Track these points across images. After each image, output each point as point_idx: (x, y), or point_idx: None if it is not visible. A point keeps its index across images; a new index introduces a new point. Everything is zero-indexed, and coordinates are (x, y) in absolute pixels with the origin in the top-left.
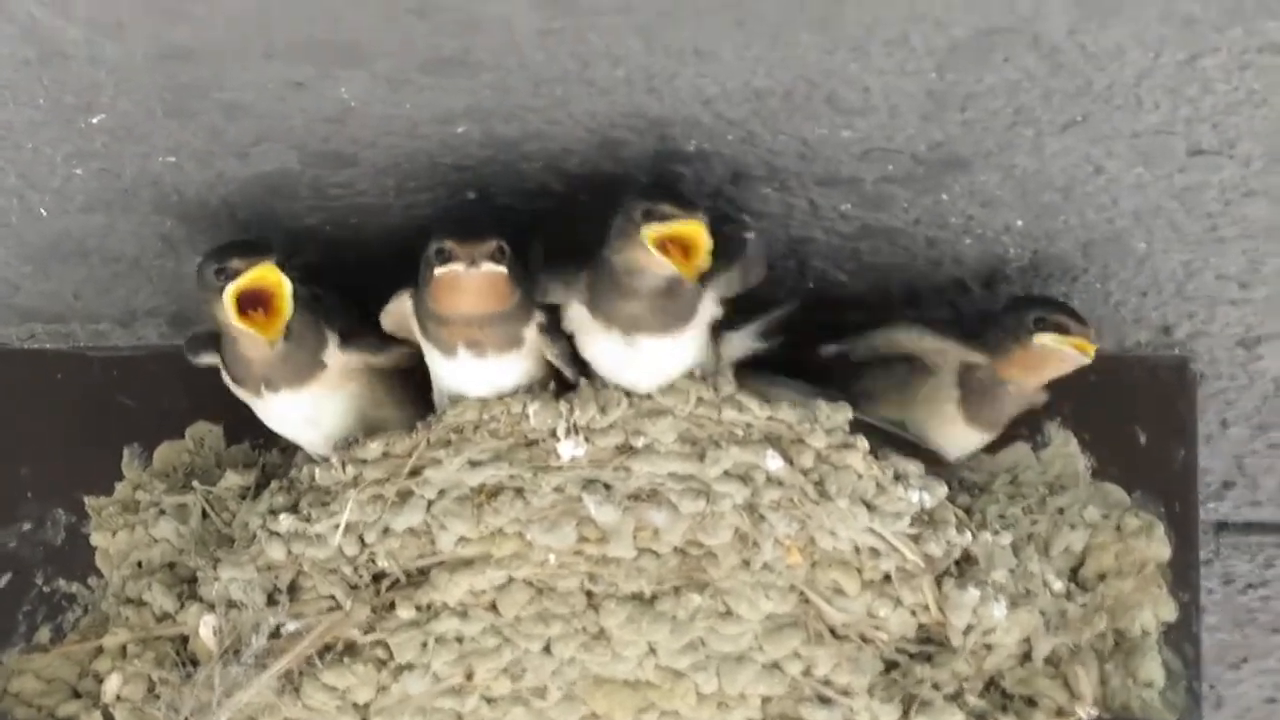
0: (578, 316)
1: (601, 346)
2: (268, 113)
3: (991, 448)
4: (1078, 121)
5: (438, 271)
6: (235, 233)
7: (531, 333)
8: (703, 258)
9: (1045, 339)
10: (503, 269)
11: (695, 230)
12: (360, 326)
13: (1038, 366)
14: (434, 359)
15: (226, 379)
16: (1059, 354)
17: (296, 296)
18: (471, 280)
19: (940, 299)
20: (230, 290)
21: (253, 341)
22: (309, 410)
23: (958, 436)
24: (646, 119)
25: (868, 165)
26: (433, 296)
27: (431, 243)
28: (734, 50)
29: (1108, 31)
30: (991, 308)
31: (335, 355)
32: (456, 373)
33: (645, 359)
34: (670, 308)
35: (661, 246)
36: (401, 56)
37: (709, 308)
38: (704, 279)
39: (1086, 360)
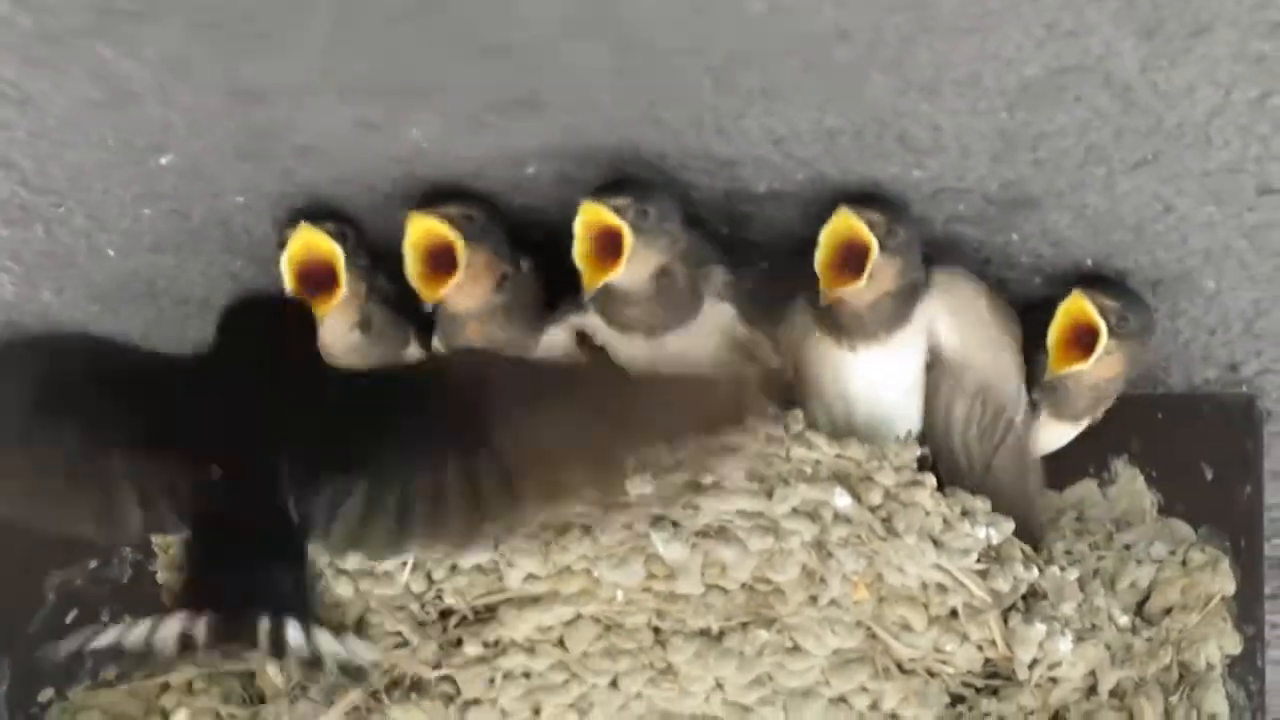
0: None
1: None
2: (339, 154)
3: (1058, 484)
4: (1148, 160)
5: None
6: None
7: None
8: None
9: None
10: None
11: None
12: None
13: (1064, 332)
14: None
15: None
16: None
17: (377, 289)
18: None
19: None
20: (285, 258)
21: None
22: None
23: (1049, 435)
24: (716, 160)
25: (938, 205)
26: None
27: None
28: (803, 91)
29: (1179, 70)
30: None
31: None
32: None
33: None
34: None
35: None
36: (473, 97)
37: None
38: None
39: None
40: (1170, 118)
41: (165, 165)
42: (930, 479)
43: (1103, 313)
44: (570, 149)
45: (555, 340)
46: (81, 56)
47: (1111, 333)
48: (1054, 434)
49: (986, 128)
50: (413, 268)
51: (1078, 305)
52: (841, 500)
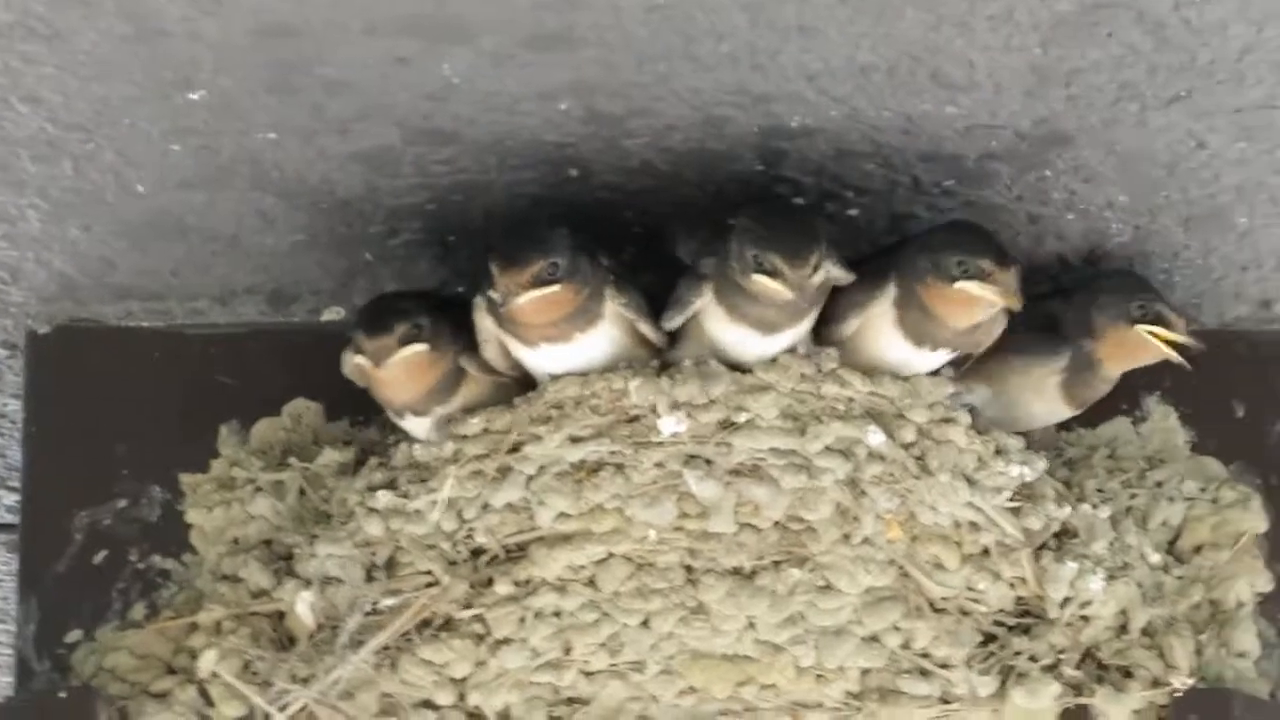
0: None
1: (732, 339)
2: (370, 89)
3: (1091, 421)
4: (1181, 97)
5: (491, 294)
6: (334, 209)
7: (609, 306)
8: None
9: (1147, 331)
10: (553, 288)
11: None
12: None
13: (1135, 354)
14: (515, 347)
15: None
16: (1158, 350)
17: (432, 336)
18: (522, 310)
19: (1043, 275)
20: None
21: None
22: None
23: (1050, 411)
24: (751, 95)
25: (971, 141)
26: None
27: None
28: (838, 26)
29: (1212, 6)
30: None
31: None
32: (542, 360)
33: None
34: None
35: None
36: (505, 32)
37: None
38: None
39: (1179, 360)
40: (1203, 54)
41: (195, 101)
42: (964, 416)
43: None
44: (604, 85)
45: (488, 350)
46: None
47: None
48: None
49: (1019, 64)
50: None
51: None
52: (875, 438)
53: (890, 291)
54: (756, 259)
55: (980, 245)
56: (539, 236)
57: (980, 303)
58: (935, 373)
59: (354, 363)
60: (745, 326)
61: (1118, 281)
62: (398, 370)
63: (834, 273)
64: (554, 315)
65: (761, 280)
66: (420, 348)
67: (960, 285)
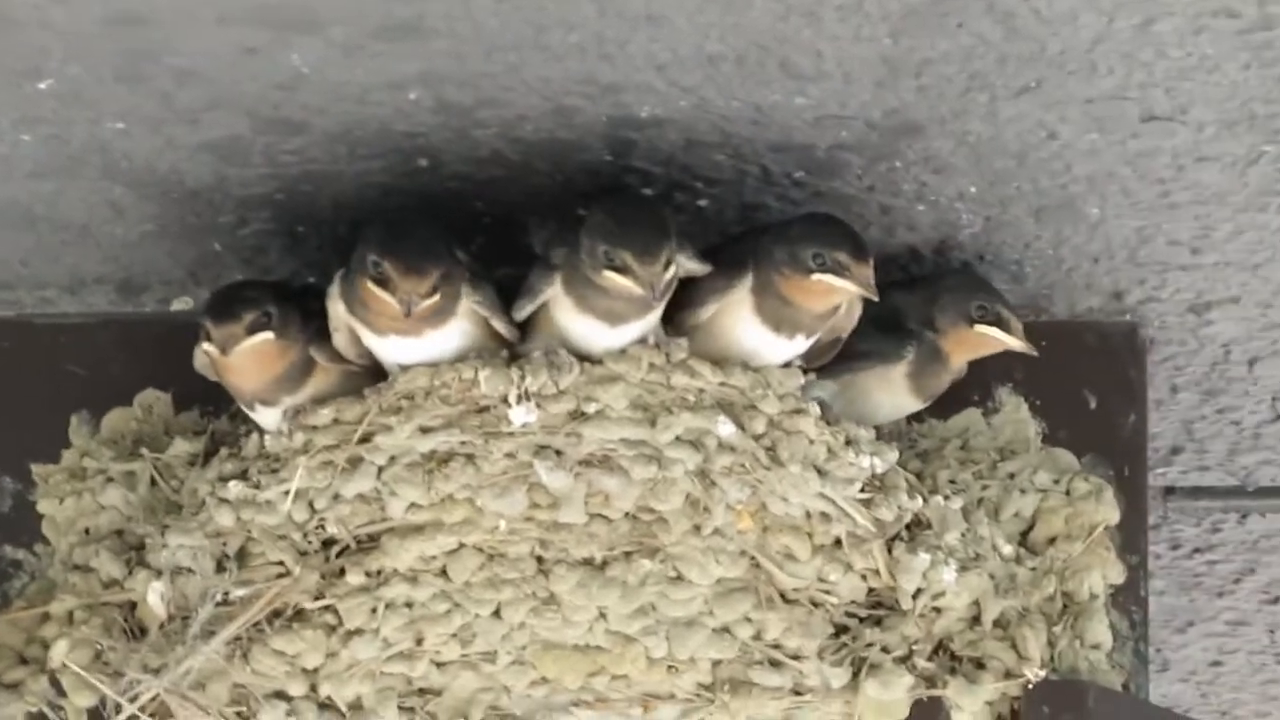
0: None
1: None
2: (219, 79)
3: (943, 413)
4: (1031, 87)
5: (373, 288)
6: (184, 199)
7: (464, 304)
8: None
9: (986, 330)
10: (436, 299)
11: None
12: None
13: (977, 349)
14: (366, 336)
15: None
16: (999, 343)
17: (280, 324)
18: (411, 318)
19: (894, 265)
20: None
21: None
22: None
23: (898, 405)
24: (600, 85)
25: (821, 132)
26: (363, 301)
27: (368, 250)
28: (687, 16)
29: None
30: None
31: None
32: (391, 350)
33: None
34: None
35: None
36: (355, 23)
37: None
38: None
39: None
40: (1053, 44)
41: (44, 90)
42: (814, 407)
43: None
44: (454, 75)
45: (338, 338)
46: None
47: None
48: None
49: (869, 54)
50: None
51: None
52: (725, 428)
53: (747, 280)
54: (608, 255)
55: (837, 238)
56: (429, 241)
57: (837, 293)
58: (787, 365)
59: (202, 349)
60: (593, 318)
61: (958, 281)
62: (245, 358)
63: (688, 265)
64: (423, 320)
65: (612, 276)
66: (267, 335)
67: (817, 278)
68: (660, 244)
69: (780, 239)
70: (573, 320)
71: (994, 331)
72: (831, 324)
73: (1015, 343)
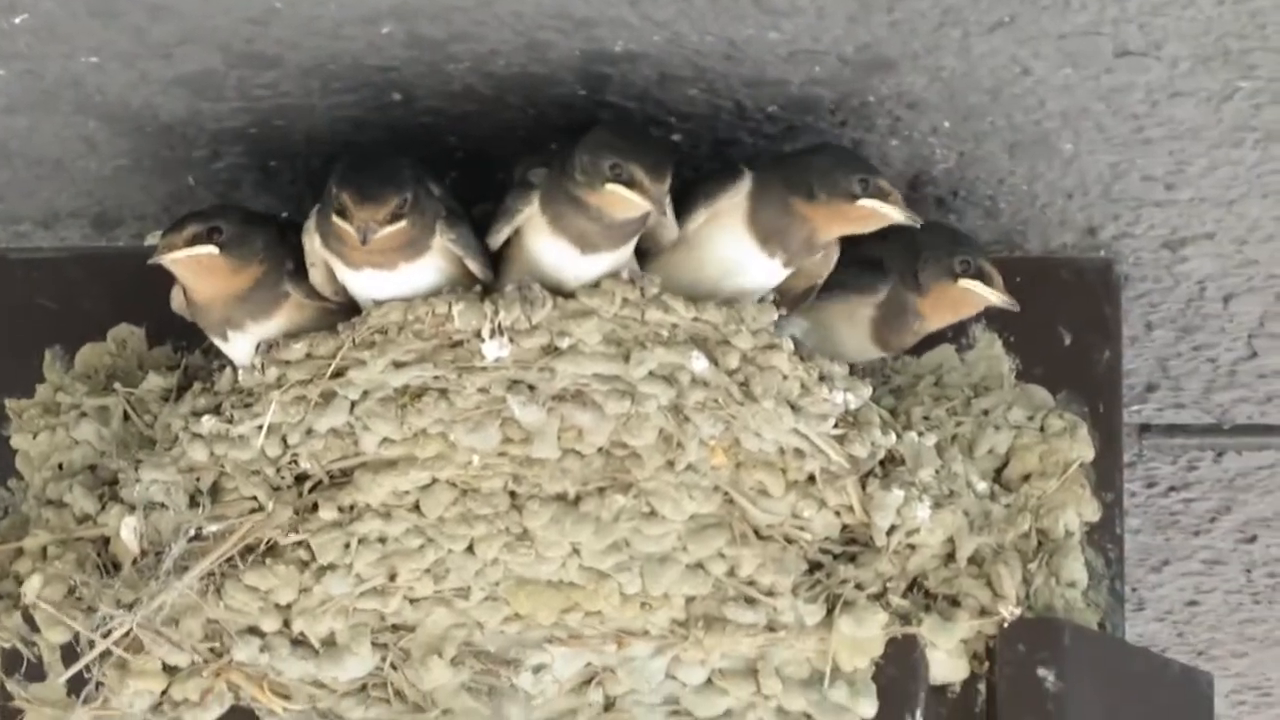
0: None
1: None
2: (192, 13)
3: (916, 349)
4: (1005, 22)
5: (336, 221)
6: (157, 134)
7: (438, 240)
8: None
9: (970, 284)
10: (401, 224)
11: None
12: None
13: (957, 308)
14: (341, 270)
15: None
16: (983, 300)
17: (231, 243)
18: (371, 246)
19: None
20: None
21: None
22: None
23: (860, 349)
24: (573, 19)
25: (794, 67)
26: (336, 235)
27: (334, 184)
28: None
29: None
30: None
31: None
32: (365, 284)
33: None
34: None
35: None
36: None
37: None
38: None
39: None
40: None
41: (18, 25)
42: (788, 342)
43: None
44: (426, 9)
45: (314, 273)
46: None
47: None
48: None
49: None
50: None
51: None
52: (698, 364)
53: (745, 185)
54: (615, 168)
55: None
56: (390, 171)
57: (874, 218)
58: (760, 300)
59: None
60: (566, 241)
61: (936, 236)
62: (184, 269)
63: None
64: (391, 246)
65: (617, 190)
66: (207, 249)
67: (863, 203)
68: (669, 165)
69: (809, 168)
70: (545, 244)
71: (977, 285)
72: (817, 265)
73: (998, 298)
